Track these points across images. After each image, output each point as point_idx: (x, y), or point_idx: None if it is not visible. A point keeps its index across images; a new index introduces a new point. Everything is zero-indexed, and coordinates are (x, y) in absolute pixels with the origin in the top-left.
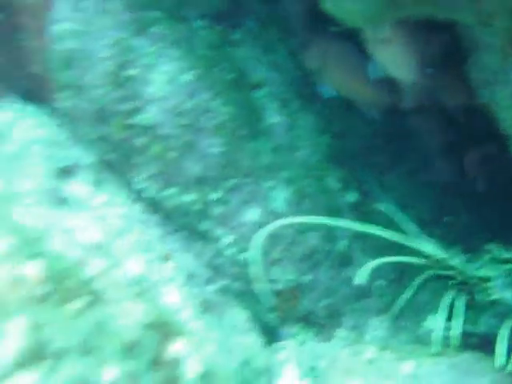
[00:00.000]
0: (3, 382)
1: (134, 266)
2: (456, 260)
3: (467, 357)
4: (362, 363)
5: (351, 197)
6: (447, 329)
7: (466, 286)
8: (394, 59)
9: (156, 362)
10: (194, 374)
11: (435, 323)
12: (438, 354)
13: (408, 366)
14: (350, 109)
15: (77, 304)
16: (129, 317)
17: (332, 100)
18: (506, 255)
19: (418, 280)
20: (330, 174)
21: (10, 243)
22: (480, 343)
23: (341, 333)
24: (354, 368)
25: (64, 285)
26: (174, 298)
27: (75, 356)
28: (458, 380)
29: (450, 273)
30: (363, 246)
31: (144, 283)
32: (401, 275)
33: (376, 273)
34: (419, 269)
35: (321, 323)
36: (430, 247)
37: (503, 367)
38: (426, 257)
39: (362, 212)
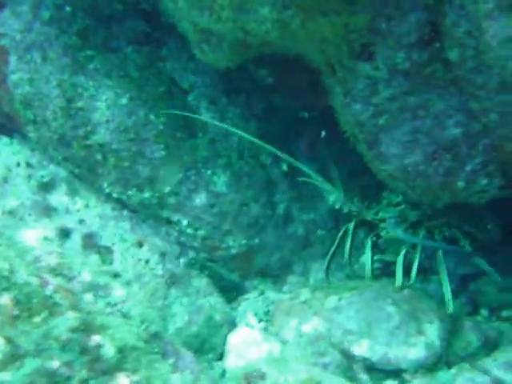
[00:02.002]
0: None
1: (86, 276)
2: (359, 206)
3: (376, 286)
4: (298, 304)
5: (283, 167)
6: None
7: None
8: None
9: (83, 351)
10: (111, 353)
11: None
12: (354, 288)
13: (331, 302)
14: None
15: (38, 318)
16: (66, 323)
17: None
18: (396, 199)
19: (345, 227)
20: (261, 152)
21: None
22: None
23: (292, 279)
24: (292, 309)
25: (30, 304)
26: (120, 292)
27: (33, 355)
28: (368, 305)
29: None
30: (300, 205)
31: (95, 288)
32: (336, 224)
33: (316, 224)
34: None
35: (275, 274)
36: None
37: (400, 288)
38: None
39: (293, 178)
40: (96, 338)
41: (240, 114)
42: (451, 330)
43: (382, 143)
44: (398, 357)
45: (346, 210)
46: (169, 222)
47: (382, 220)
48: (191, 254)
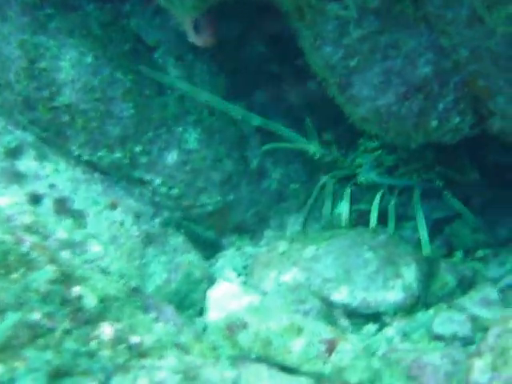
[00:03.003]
0: None
1: (62, 233)
2: (337, 154)
3: (352, 233)
4: (276, 256)
5: (254, 122)
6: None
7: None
8: None
9: (64, 302)
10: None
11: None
12: (331, 237)
13: (309, 251)
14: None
15: (15, 275)
16: (45, 275)
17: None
18: (373, 145)
19: (323, 179)
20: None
21: None
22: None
23: (269, 233)
24: (271, 261)
25: (7, 261)
26: (97, 248)
27: (14, 308)
28: (345, 253)
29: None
30: (273, 159)
31: (72, 245)
32: (310, 177)
33: (290, 178)
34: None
35: (252, 229)
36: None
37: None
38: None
39: (266, 133)
40: (76, 289)
41: (207, 70)
42: (428, 273)
43: (354, 85)
44: (377, 300)
45: (324, 160)
46: (142, 182)
47: (359, 166)
48: (166, 213)
